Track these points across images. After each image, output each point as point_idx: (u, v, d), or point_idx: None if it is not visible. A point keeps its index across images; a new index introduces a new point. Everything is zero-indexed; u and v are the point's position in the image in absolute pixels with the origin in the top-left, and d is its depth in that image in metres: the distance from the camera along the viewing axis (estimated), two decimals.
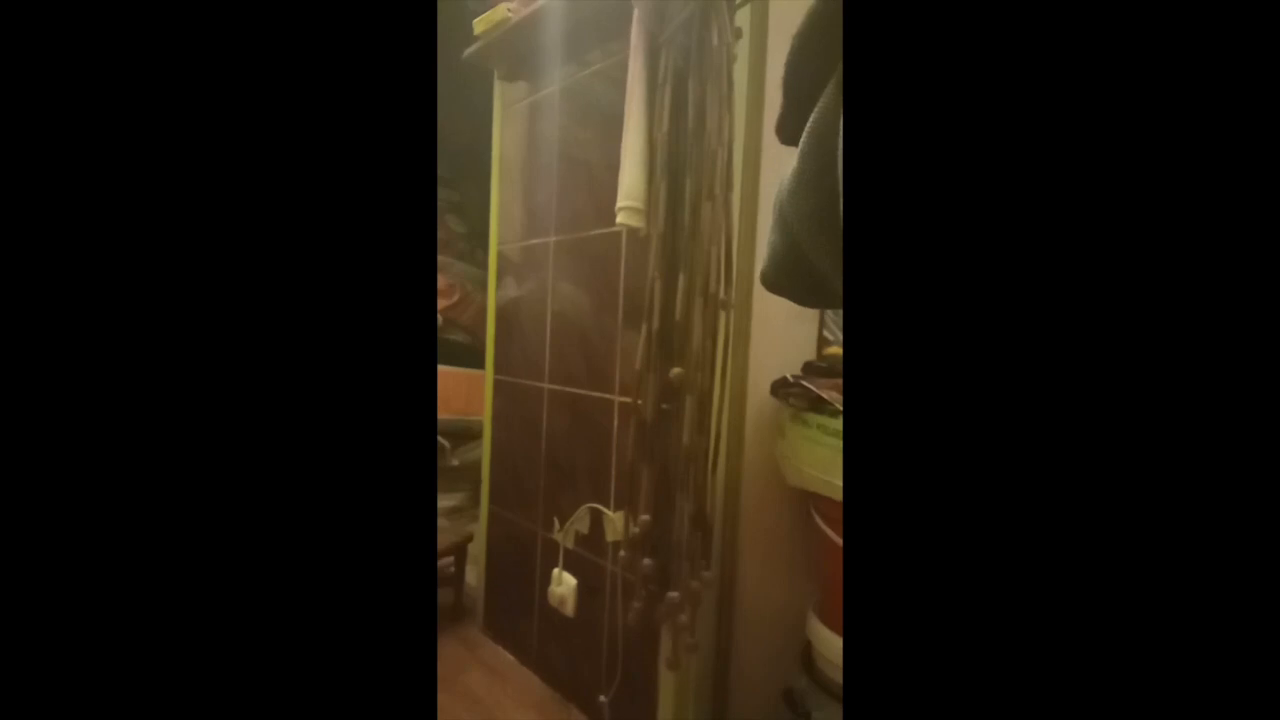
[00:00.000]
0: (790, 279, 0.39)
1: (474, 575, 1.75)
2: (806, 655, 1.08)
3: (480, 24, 1.41)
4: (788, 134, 0.38)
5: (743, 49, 1.02)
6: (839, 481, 0.94)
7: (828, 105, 0.34)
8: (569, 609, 1.32)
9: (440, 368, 2.43)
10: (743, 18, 1.04)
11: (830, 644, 1.00)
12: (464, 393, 2.41)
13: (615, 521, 1.22)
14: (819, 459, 0.98)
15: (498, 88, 1.59)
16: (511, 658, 1.53)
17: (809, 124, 0.35)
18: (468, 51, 1.47)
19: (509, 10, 1.34)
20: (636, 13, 1.01)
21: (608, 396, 1.25)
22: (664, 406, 0.99)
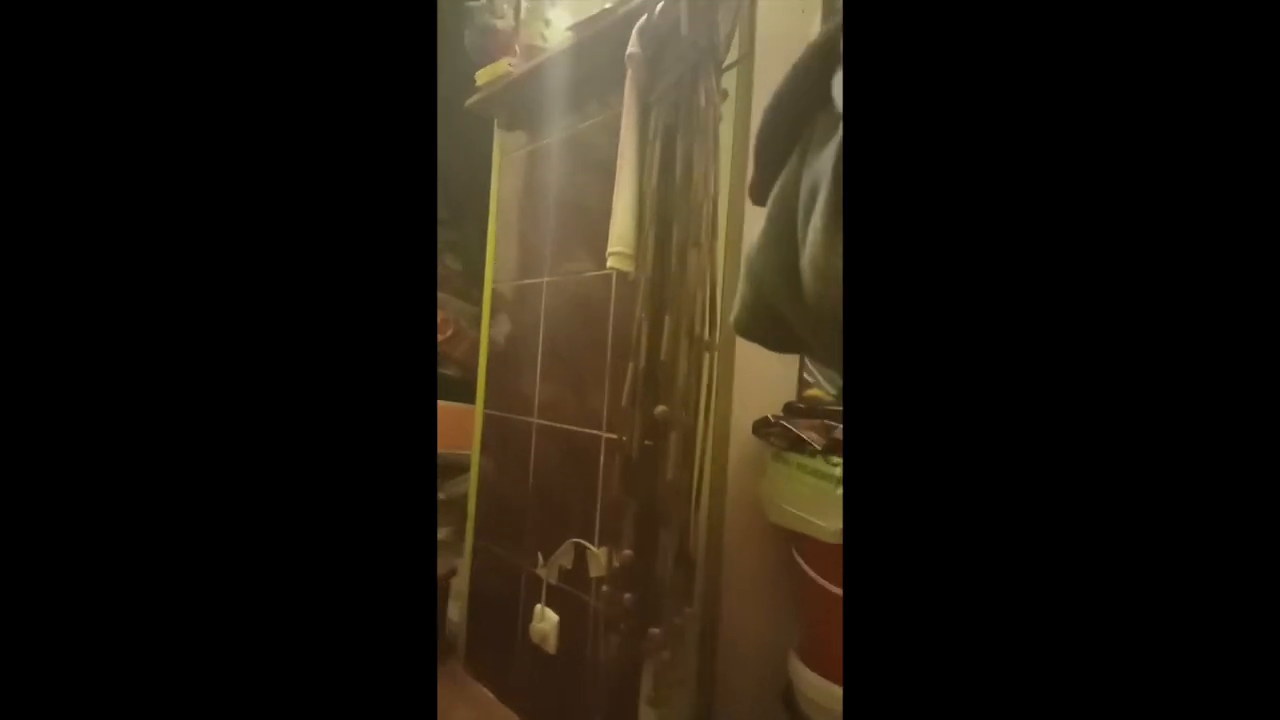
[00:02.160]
0: (759, 325, 0.43)
1: (456, 611, 1.73)
2: (788, 695, 1.08)
3: (483, 75, 1.49)
4: (759, 196, 0.42)
5: (728, 109, 1.09)
6: (819, 521, 0.97)
7: (790, 172, 0.38)
8: (551, 645, 1.32)
9: None
10: (729, 80, 1.11)
11: (812, 684, 1.01)
12: (452, 427, 2.41)
13: (599, 557, 1.23)
14: (799, 497, 1.01)
15: (497, 136, 1.66)
16: (492, 695, 1.51)
17: (775, 189, 0.39)
18: (470, 101, 1.55)
19: (510, 65, 1.42)
20: (630, 73, 1.08)
21: (595, 432, 1.28)
22: (648, 443, 1.02)
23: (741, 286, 0.42)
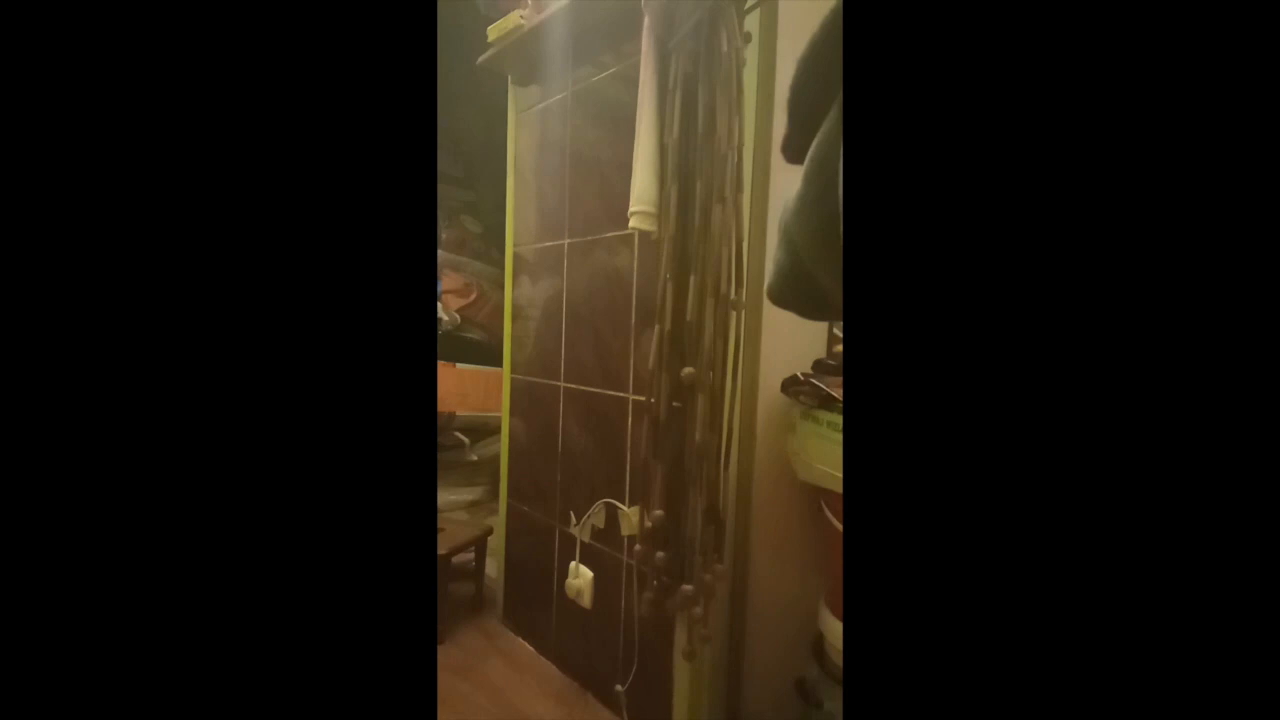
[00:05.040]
0: (795, 294, 0.41)
1: (494, 568, 1.79)
2: (818, 646, 1.10)
3: (494, 31, 1.44)
4: (793, 153, 0.39)
5: (752, 53, 1.04)
6: None
7: (830, 129, 0.35)
8: (586, 601, 1.36)
9: (458, 365, 2.47)
10: (752, 22, 1.05)
11: (840, 634, 1.02)
12: (481, 389, 2.45)
13: (630, 516, 1.25)
14: (828, 455, 1.00)
15: (511, 92, 1.61)
16: (530, 648, 1.57)
17: (812, 147, 0.36)
18: (482, 58, 1.50)
19: (521, 18, 1.37)
20: (646, 20, 1.03)
21: (622, 395, 1.28)
22: (676, 404, 1.01)
23: (777, 253, 0.40)
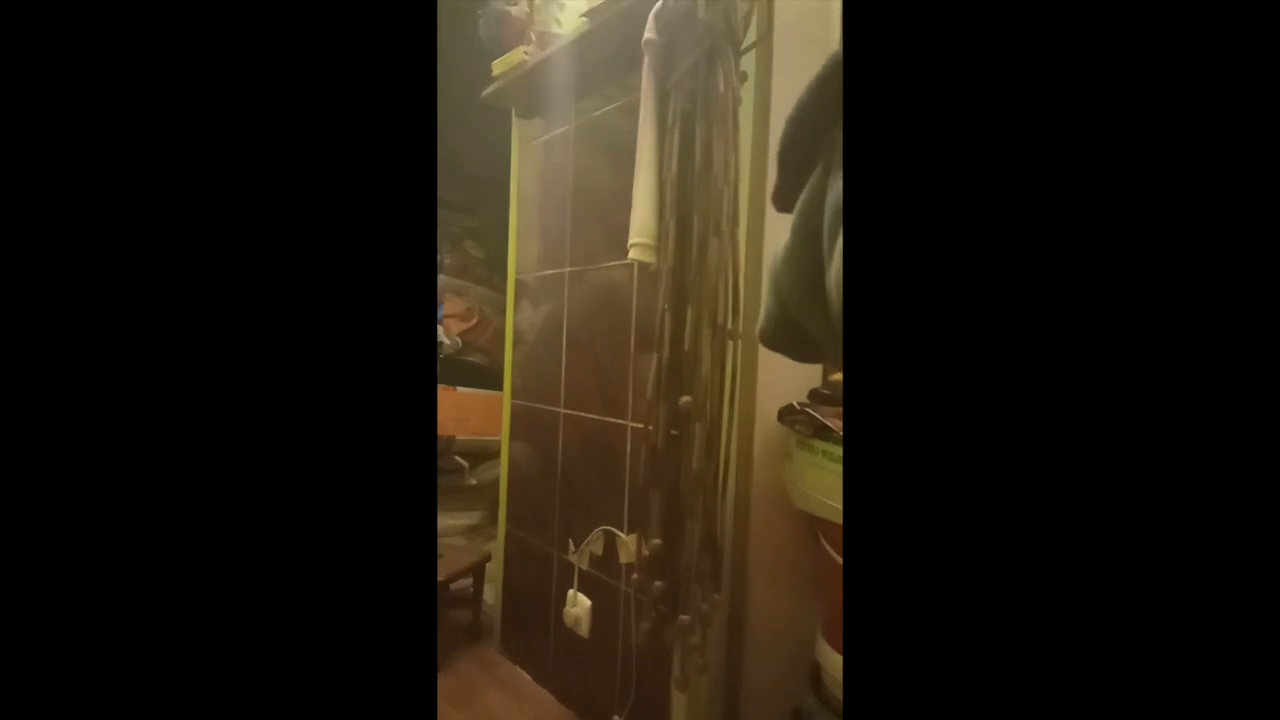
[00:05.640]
0: (784, 339, 0.42)
1: (491, 594, 1.78)
2: (814, 676, 1.10)
3: (498, 65, 1.48)
4: (782, 203, 0.41)
5: (748, 92, 1.07)
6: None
7: (815, 185, 0.37)
8: (584, 629, 1.35)
9: (458, 389, 2.48)
10: (748, 62, 1.09)
11: (838, 665, 1.02)
12: (481, 413, 2.46)
13: (628, 544, 1.25)
14: (824, 484, 1.01)
15: (515, 124, 1.65)
16: (528, 677, 1.56)
17: (799, 202, 0.38)
18: (486, 91, 1.54)
19: (525, 53, 1.41)
20: (646, 59, 1.06)
21: (620, 422, 1.29)
22: (674, 432, 1.02)
23: (766, 299, 0.41)
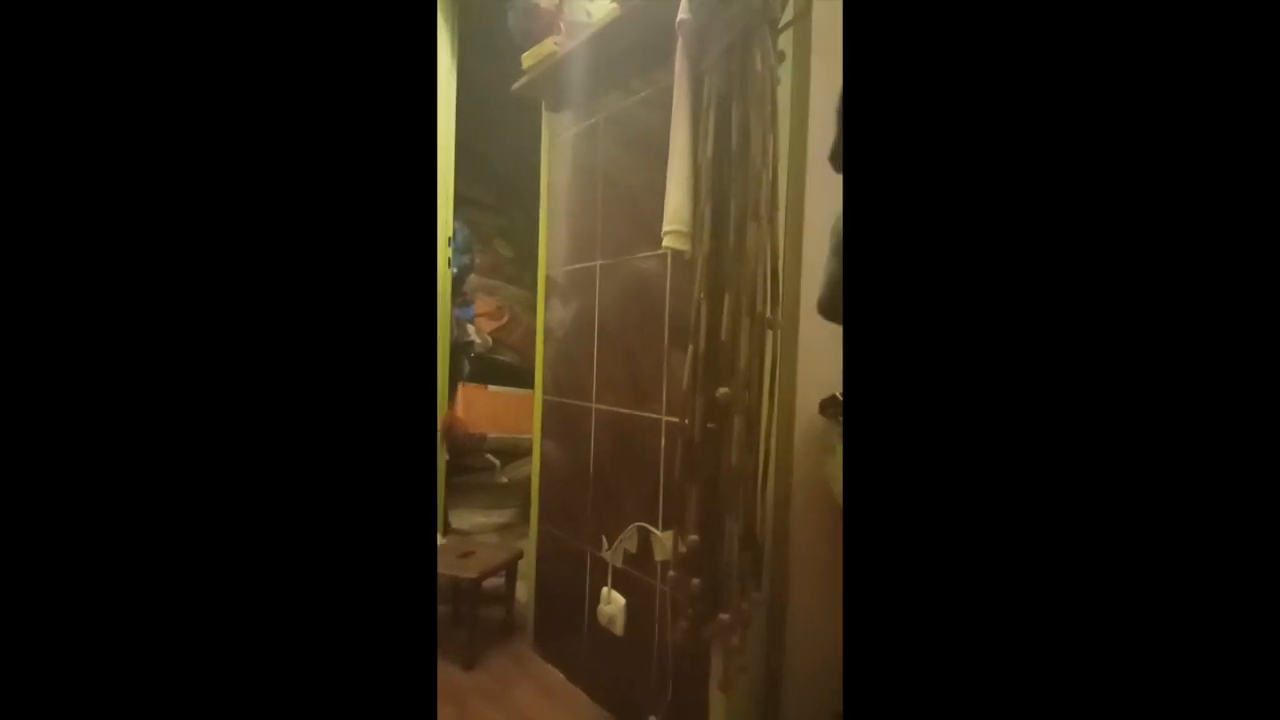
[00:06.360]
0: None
1: (524, 592, 1.77)
2: None
3: (529, 58, 1.47)
4: (841, 162, 0.39)
5: (786, 72, 1.04)
6: None
7: None
8: (618, 628, 1.33)
9: (490, 387, 2.49)
10: (785, 41, 1.05)
11: None
12: (513, 411, 2.46)
13: (664, 541, 1.22)
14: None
15: (545, 119, 1.64)
16: (561, 675, 1.54)
17: None
18: (516, 85, 1.53)
19: (555, 44, 1.40)
20: (680, 41, 1.03)
21: (655, 416, 1.26)
22: (710, 426, 0.99)
23: (829, 264, 0.39)
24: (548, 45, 1.41)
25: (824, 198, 1.00)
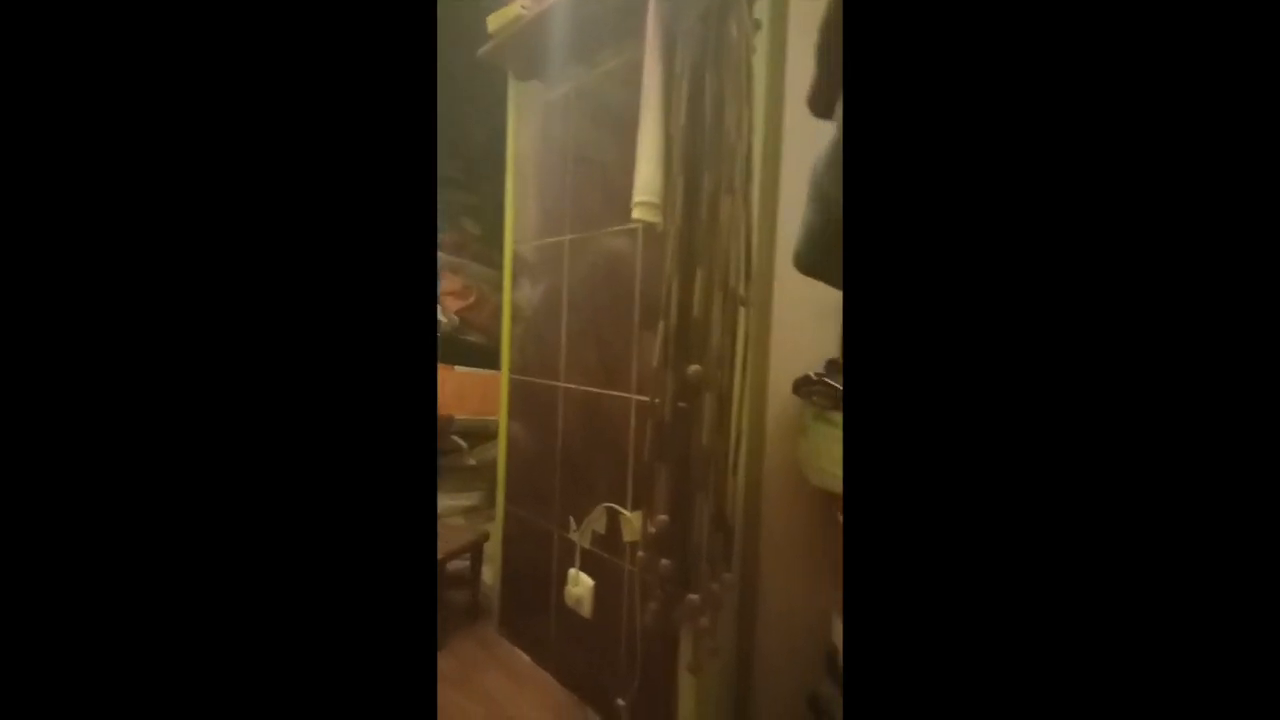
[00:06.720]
0: (827, 257, 0.37)
1: (490, 574, 1.74)
2: (831, 660, 1.05)
3: (494, 20, 1.40)
4: (822, 106, 0.36)
5: (761, 41, 1.00)
6: None
7: None
8: (586, 610, 1.31)
9: (456, 368, 2.43)
10: (761, 9, 1.02)
11: None
12: (479, 393, 2.41)
13: (633, 522, 1.20)
14: (842, 459, 0.96)
15: (512, 88, 1.58)
16: (528, 659, 1.52)
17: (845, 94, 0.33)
18: (481, 50, 1.47)
19: (523, 7, 1.33)
20: (651, 5, 0.99)
21: (624, 395, 1.24)
22: (681, 405, 0.97)
23: (806, 214, 0.36)
24: (514, 8, 1.34)
25: (800, 172, 0.98)
